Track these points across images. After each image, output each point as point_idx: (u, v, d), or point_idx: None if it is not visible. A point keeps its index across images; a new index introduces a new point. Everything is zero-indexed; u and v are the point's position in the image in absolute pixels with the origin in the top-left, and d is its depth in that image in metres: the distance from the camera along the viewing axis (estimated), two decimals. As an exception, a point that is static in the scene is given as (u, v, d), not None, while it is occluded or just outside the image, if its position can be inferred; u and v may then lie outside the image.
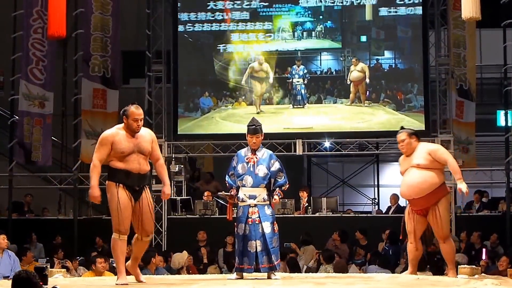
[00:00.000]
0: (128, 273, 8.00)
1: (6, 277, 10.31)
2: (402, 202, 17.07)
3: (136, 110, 7.76)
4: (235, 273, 8.56)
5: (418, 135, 8.70)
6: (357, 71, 15.93)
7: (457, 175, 8.45)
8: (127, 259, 8.06)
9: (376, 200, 19.69)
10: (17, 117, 15.69)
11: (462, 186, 8.41)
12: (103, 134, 7.79)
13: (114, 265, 11.75)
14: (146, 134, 7.85)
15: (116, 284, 7.73)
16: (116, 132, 7.72)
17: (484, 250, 12.95)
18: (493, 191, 17.87)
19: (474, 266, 8.80)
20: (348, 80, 15.92)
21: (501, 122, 19.33)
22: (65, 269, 10.16)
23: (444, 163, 8.42)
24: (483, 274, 8.96)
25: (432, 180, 8.36)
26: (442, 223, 8.37)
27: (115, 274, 10.78)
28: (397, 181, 21.91)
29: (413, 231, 8.56)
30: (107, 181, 7.72)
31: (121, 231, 7.65)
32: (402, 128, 8.82)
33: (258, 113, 15.73)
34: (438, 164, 8.41)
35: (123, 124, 7.78)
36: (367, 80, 15.87)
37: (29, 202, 16.64)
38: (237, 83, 16.18)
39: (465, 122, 16.27)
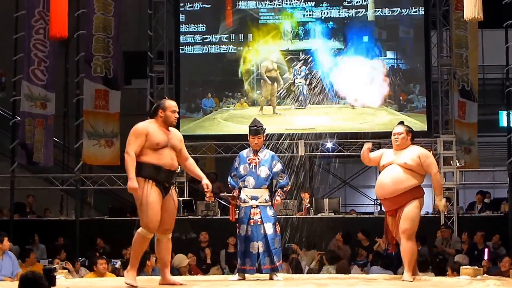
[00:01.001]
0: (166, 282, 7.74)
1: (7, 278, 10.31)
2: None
3: (172, 102, 7.75)
4: (237, 274, 8.56)
5: (414, 136, 8.41)
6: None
7: (437, 191, 8.21)
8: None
9: (379, 201, 19.66)
10: (18, 118, 15.66)
11: (440, 203, 8.22)
12: (136, 126, 7.56)
13: (117, 266, 11.79)
14: (176, 132, 7.78)
15: (127, 283, 7.50)
16: (149, 124, 7.59)
17: (486, 250, 12.93)
18: (495, 192, 17.86)
19: (476, 267, 8.76)
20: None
21: (504, 122, 19.29)
22: (67, 270, 10.16)
23: (428, 172, 8.11)
24: (485, 275, 8.93)
25: (409, 182, 8.06)
26: (409, 218, 8.04)
27: (117, 275, 10.81)
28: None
29: (394, 237, 8.29)
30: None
31: (150, 228, 7.45)
32: (402, 122, 8.50)
33: (275, 113, 15.85)
34: (422, 170, 8.11)
35: (153, 120, 7.65)
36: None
37: (31, 203, 16.63)
38: (244, 83, 16.17)
39: (467, 122, 16.24)
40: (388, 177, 8.11)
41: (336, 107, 15.99)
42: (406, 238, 8.06)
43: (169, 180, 7.62)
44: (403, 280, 8.00)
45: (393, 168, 8.14)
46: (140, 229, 7.52)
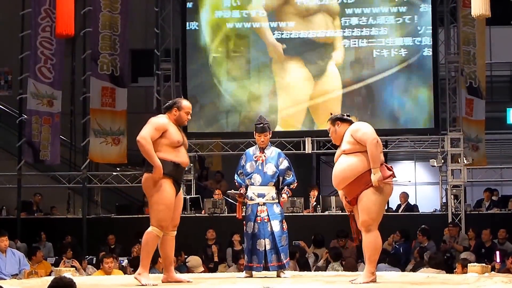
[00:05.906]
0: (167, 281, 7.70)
1: (14, 275, 10.32)
2: (411, 200, 17.05)
3: (188, 104, 7.73)
4: (244, 271, 8.56)
5: (345, 118, 7.69)
6: None
7: (371, 163, 7.34)
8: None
9: (387, 199, 19.63)
10: (25, 116, 15.68)
11: (373, 177, 7.33)
12: (158, 119, 7.57)
13: (123, 264, 11.79)
14: (181, 129, 7.75)
15: (144, 284, 7.39)
16: (168, 122, 7.56)
17: (498, 252, 12.87)
18: (503, 189, 17.82)
19: (484, 264, 8.74)
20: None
21: (511, 120, 19.28)
22: (74, 268, 10.16)
23: (364, 143, 7.36)
24: (492, 272, 8.91)
25: (356, 167, 7.39)
26: (365, 208, 7.40)
27: (125, 273, 10.81)
28: (407, 179, 21.83)
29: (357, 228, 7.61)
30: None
31: (163, 227, 7.43)
32: (330, 114, 7.89)
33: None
34: (362, 147, 7.38)
35: (166, 116, 7.62)
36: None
37: (38, 201, 16.65)
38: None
39: (475, 120, 16.20)
40: (336, 167, 7.50)
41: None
42: (365, 231, 7.45)
43: (182, 177, 7.70)
44: (361, 283, 7.46)
45: (341, 158, 7.51)
46: (151, 228, 7.45)
